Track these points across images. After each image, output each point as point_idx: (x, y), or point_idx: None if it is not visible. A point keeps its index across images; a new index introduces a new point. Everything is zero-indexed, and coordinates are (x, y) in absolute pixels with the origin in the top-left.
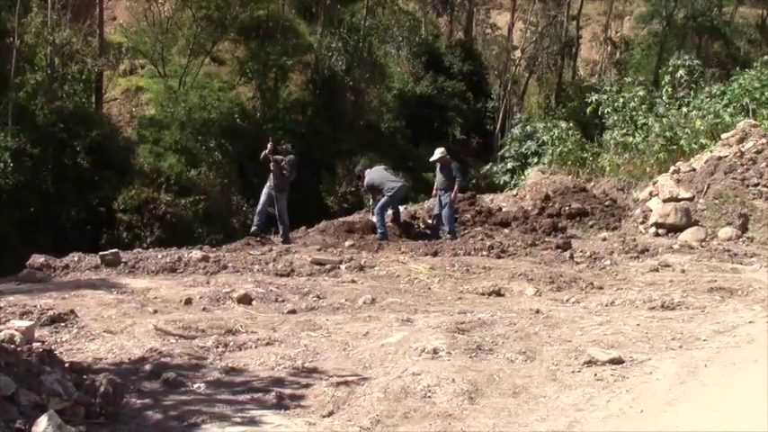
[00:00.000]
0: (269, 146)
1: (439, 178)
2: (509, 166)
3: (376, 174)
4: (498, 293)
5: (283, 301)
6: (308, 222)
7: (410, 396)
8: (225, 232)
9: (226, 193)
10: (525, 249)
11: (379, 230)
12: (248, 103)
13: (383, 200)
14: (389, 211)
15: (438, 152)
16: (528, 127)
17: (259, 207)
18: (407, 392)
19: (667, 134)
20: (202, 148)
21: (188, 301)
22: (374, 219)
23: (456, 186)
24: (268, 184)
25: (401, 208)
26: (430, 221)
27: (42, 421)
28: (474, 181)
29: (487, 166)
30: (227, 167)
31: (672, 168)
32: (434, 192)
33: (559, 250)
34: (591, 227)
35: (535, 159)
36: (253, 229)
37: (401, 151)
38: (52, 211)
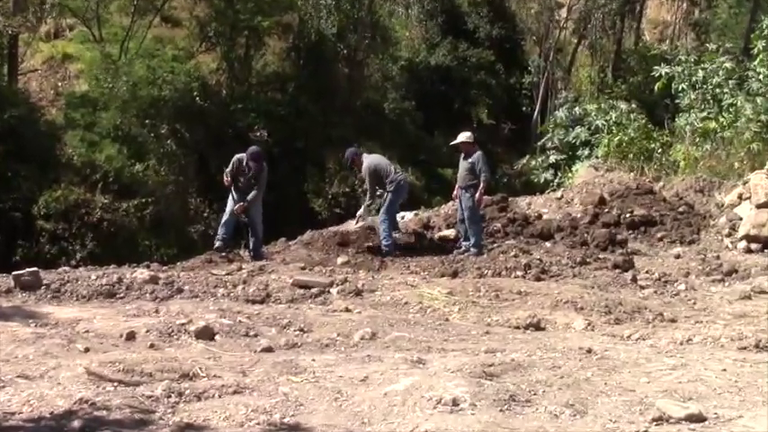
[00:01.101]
0: (227, 179)
1: (461, 172)
2: (552, 159)
3: (377, 160)
4: (537, 327)
5: (256, 335)
6: (289, 232)
7: None
8: (180, 245)
9: (181, 193)
10: (573, 269)
11: (383, 242)
12: (211, 77)
13: (387, 199)
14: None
15: (462, 136)
16: (577, 109)
17: (225, 216)
18: None
19: (763, 118)
20: (151, 136)
21: (131, 336)
22: (358, 222)
23: (482, 184)
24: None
25: (410, 213)
26: (459, 233)
27: None
28: (506, 179)
29: (523, 160)
30: (183, 160)
31: None
32: (455, 192)
33: (618, 270)
34: (660, 240)
35: (586, 151)
36: (216, 244)
37: (410, 140)
38: None
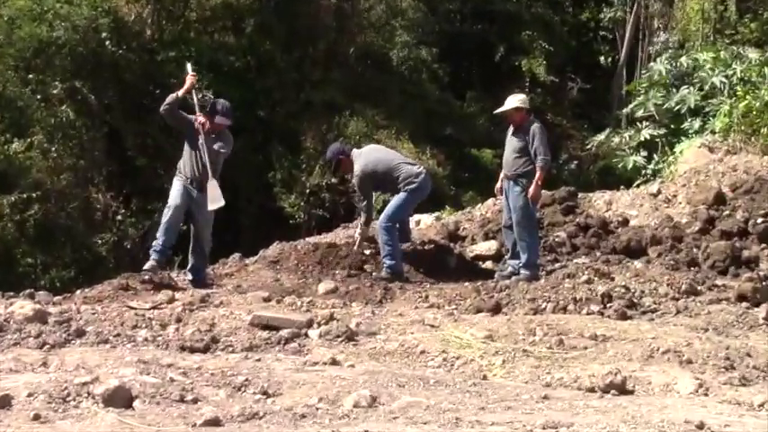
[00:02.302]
0: (188, 80)
1: (508, 155)
2: (644, 135)
3: (376, 155)
4: (622, 389)
5: (195, 401)
6: (246, 245)
7: None
8: (80, 264)
9: (82, 186)
10: (676, 302)
11: (385, 260)
12: (129, 11)
13: (399, 198)
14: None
15: (513, 100)
16: (683, 59)
17: (168, 213)
18: None
19: None
20: (36, 99)
21: (5, 402)
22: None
23: (537, 171)
24: (182, 170)
25: (429, 216)
26: (504, 247)
27: None
28: (574, 165)
29: (601, 137)
30: (85, 136)
31: None
32: (499, 184)
33: (745, 304)
34: None
35: (696, 123)
36: (151, 260)
37: (429, 105)
38: None
